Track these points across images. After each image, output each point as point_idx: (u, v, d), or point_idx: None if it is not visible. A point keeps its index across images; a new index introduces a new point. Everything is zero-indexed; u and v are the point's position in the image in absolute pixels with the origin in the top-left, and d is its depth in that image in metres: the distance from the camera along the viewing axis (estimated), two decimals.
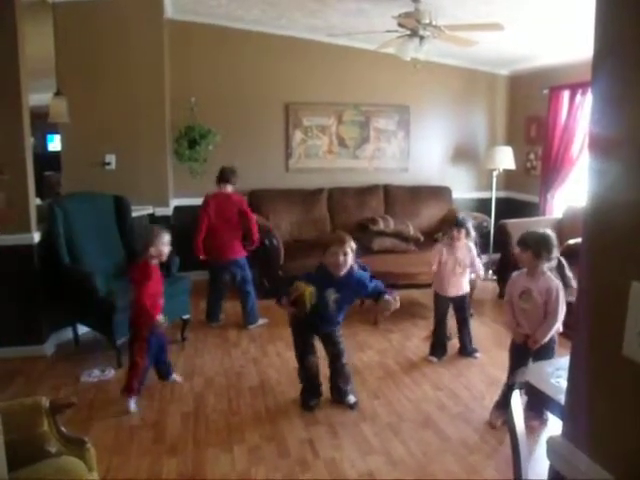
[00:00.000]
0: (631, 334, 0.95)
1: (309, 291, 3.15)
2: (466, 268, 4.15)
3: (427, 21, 4.45)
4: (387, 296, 3.27)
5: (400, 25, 4.55)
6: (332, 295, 3.26)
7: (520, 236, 3.26)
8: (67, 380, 3.79)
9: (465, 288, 4.22)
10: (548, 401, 1.73)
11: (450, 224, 4.19)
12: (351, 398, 3.47)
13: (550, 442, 1.17)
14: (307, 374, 3.45)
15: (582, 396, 1.13)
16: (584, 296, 1.12)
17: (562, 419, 1.21)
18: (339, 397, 3.48)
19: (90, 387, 3.70)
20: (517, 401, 1.74)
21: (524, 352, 3.16)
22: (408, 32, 4.61)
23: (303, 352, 3.44)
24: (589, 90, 5.45)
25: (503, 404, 3.16)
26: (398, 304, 3.27)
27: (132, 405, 3.38)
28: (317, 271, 3.31)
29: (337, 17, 5.41)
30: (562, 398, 1.63)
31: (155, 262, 3.46)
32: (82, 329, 4.42)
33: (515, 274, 3.32)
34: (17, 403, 2.12)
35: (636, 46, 0.93)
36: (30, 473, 1.59)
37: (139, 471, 2.77)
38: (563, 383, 1.82)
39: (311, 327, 3.41)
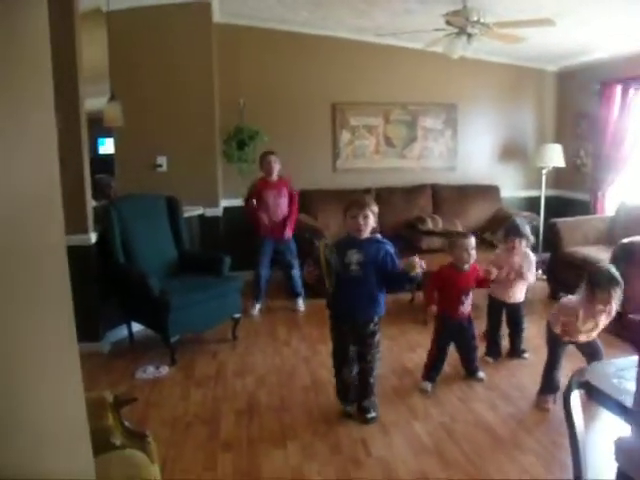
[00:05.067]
0: None
1: (323, 244, 3.12)
2: (521, 275, 3.99)
3: (475, 19, 4.42)
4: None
5: (448, 23, 4.54)
6: (354, 255, 3.13)
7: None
8: (123, 376, 3.92)
9: (519, 297, 4.11)
10: (608, 400, 1.72)
11: (508, 233, 4.06)
12: (371, 413, 3.31)
13: (618, 444, 1.16)
14: (341, 386, 3.37)
15: None
16: None
17: (628, 421, 1.21)
18: (360, 413, 3.34)
19: (145, 383, 3.81)
20: (576, 401, 1.74)
21: None
22: (456, 30, 4.59)
23: (341, 362, 3.33)
24: None
25: (545, 388, 3.39)
26: (419, 263, 3.04)
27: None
28: (341, 238, 3.34)
29: (384, 17, 5.41)
30: (624, 399, 1.62)
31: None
32: (136, 327, 4.55)
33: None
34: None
35: None
36: (100, 462, 1.66)
37: (195, 464, 2.85)
38: (625, 384, 1.81)
39: (345, 318, 3.25)
